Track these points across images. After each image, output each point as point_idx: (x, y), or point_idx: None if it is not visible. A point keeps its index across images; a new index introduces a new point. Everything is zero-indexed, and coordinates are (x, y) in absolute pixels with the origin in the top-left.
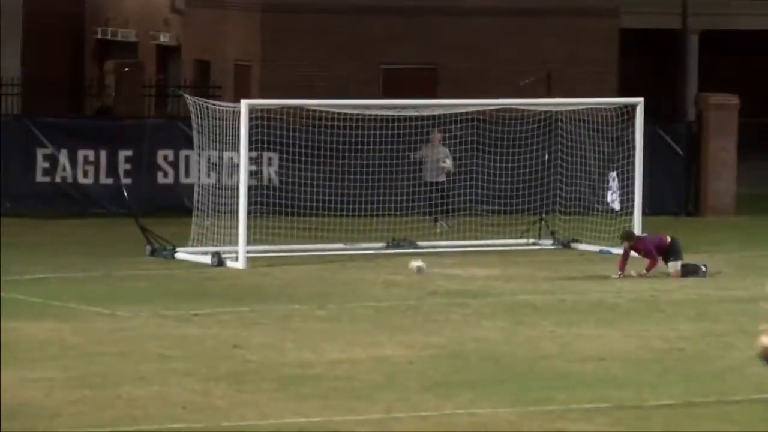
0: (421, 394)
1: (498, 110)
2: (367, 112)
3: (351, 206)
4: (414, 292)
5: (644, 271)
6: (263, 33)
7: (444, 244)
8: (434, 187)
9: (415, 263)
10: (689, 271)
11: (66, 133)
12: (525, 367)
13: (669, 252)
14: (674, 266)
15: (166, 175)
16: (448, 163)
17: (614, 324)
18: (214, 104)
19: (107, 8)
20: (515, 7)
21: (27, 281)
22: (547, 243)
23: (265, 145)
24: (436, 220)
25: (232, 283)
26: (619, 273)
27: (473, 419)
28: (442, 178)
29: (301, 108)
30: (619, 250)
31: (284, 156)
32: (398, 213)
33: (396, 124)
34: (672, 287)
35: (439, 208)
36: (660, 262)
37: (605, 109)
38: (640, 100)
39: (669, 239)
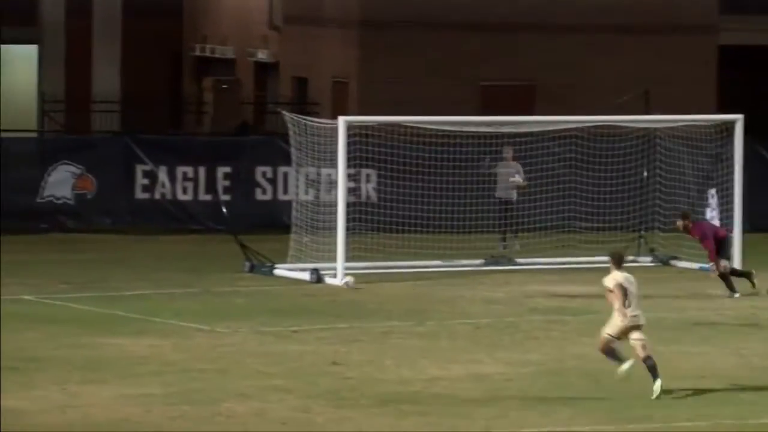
0: (520, 411)
1: (596, 127)
2: (465, 129)
3: (449, 223)
4: (513, 309)
5: (712, 273)
6: (361, 50)
7: (542, 261)
8: (505, 205)
9: (345, 278)
10: (738, 273)
11: (165, 150)
12: (624, 384)
13: (721, 246)
14: (725, 263)
15: (264, 191)
16: (518, 178)
17: (714, 342)
18: (312, 121)
19: (205, 26)
20: (613, 23)
21: (127, 297)
22: (646, 260)
23: (364, 162)
24: (504, 239)
25: (330, 300)
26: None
27: None
28: (513, 195)
29: (399, 125)
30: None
31: (383, 172)
32: (496, 230)
33: (494, 141)
34: None
35: (510, 227)
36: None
37: (704, 126)
38: (740, 117)
39: (726, 232)
